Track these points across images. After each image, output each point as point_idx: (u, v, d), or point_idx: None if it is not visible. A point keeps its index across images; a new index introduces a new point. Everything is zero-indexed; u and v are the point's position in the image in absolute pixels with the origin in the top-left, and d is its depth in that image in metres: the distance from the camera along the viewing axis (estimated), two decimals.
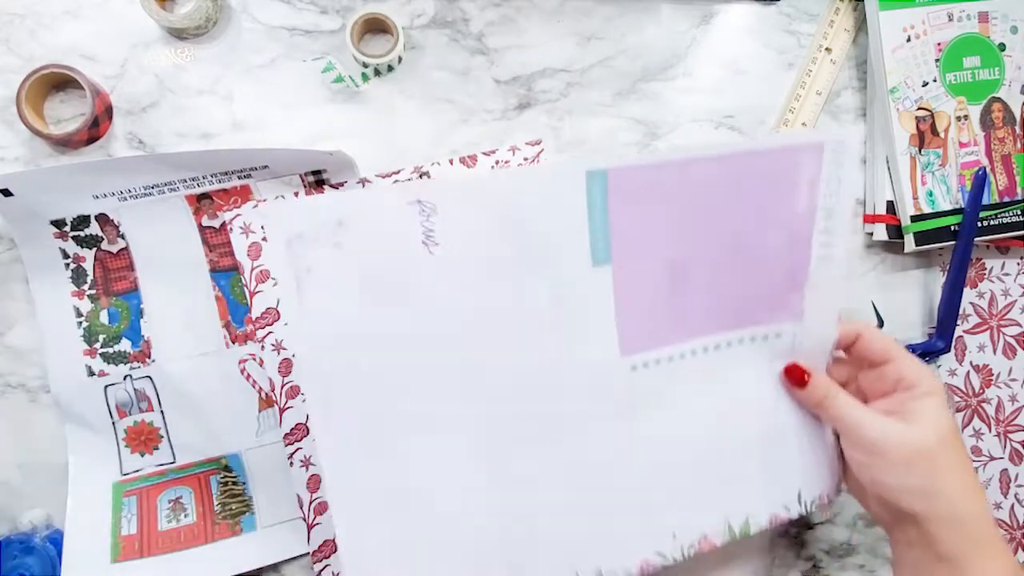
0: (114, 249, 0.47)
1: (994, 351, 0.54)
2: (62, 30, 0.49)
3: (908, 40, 0.51)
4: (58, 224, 0.47)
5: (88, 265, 0.47)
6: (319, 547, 0.47)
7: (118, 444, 0.48)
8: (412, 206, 0.35)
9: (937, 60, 0.51)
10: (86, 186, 0.45)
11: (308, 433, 0.47)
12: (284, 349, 0.47)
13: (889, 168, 0.51)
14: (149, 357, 0.48)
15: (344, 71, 0.49)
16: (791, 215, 0.40)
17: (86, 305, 0.48)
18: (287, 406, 0.47)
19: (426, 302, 0.36)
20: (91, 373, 0.47)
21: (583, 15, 0.52)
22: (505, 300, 0.37)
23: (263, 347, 0.47)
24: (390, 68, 0.50)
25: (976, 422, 0.54)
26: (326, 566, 0.47)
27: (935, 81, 0.51)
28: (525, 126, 0.51)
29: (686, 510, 0.41)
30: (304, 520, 0.47)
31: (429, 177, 0.48)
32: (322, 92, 0.50)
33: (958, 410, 0.53)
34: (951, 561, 0.37)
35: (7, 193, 0.43)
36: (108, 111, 0.48)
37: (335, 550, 0.47)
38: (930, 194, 0.51)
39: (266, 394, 0.48)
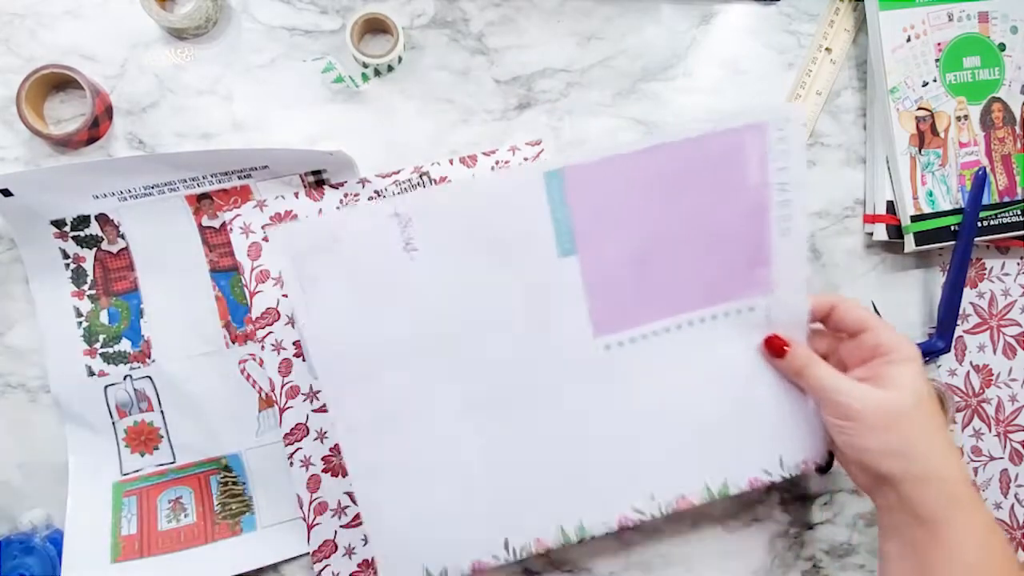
0: (114, 249, 0.47)
1: (994, 351, 0.54)
2: (62, 30, 0.49)
3: (908, 40, 0.51)
4: (58, 224, 0.47)
5: (88, 265, 0.48)
6: (319, 547, 0.47)
7: (118, 444, 0.48)
8: (391, 219, 0.40)
9: (937, 60, 0.51)
10: (86, 186, 0.45)
11: (308, 433, 0.47)
12: (284, 349, 0.47)
13: (889, 168, 0.51)
14: (149, 357, 0.48)
15: (344, 71, 0.49)
16: (745, 193, 0.42)
17: (86, 305, 0.48)
18: (287, 406, 0.47)
19: (412, 300, 0.41)
20: (91, 373, 0.47)
21: (583, 15, 0.52)
22: (481, 295, 0.42)
23: (263, 347, 0.47)
24: (390, 68, 0.50)
25: (976, 422, 0.54)
26: (326, 566, 0.47)
27: (935, 81, 0.51)
28: (525, 126, 0.51)
29: (664, 472, 0.45)
30: (304, 520, 0.47)
31: (429, 176, 0.49)
32: (322, 92, 0.50)
33: (958, 410, 0.53)
34: (929, 521, 0.38)
35: (7, 193, 0.44)
36: (108, 111, 0.49)
37: (335, 550, 0.47)
38: (930, 194, 0.51)
39: (266, 394, 0.48)
